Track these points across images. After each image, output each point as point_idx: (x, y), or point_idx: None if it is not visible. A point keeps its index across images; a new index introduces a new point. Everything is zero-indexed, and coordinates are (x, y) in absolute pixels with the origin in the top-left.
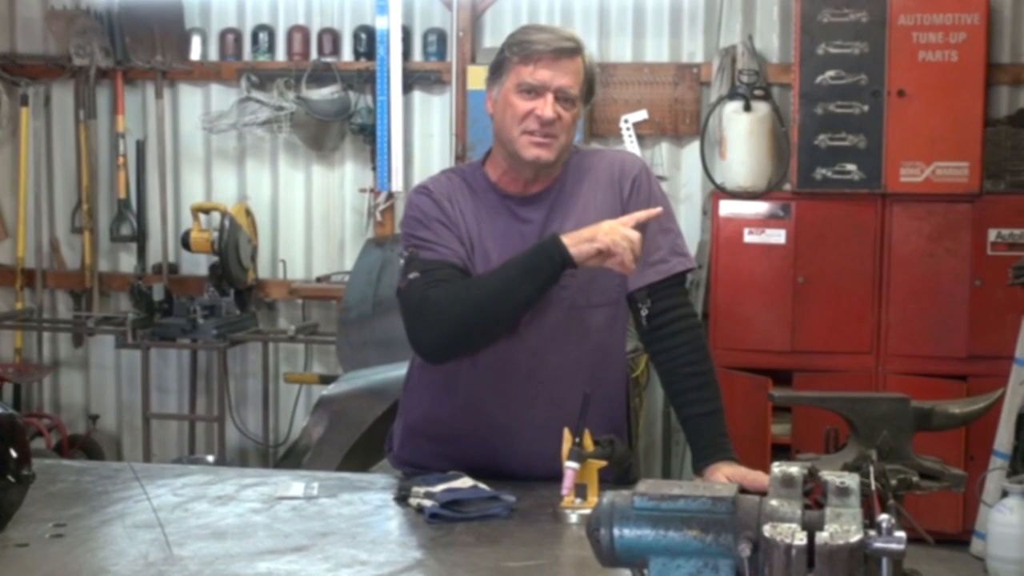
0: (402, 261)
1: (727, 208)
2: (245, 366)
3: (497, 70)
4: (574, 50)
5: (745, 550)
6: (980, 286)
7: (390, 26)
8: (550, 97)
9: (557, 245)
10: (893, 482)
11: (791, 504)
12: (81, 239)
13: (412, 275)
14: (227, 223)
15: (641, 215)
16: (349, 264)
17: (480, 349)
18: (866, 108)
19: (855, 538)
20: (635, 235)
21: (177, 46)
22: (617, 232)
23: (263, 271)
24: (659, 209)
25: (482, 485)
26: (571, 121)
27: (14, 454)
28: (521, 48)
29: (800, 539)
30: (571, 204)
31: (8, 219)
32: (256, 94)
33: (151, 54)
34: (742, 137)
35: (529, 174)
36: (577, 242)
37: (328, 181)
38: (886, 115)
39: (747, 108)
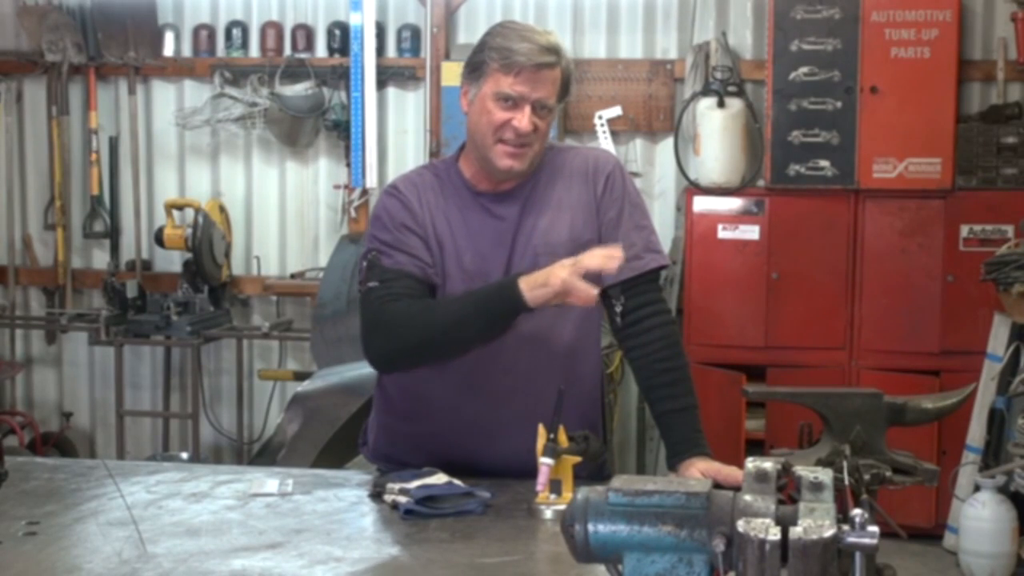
0: (364, 263)
1: (701, 204)
2: (219, 363)
3: (476, 71)
4: (554, 63)
5: (719, 545)
6: (952, 282)
7: (364, 22)
8: (528, 109)
9: (513, 289)
10: (866, 477)
11: (765, 499)
12: (54, 236)
13: (371, 283)
14: (201, 219)
15: (592, 264)
16: (323, 260)
17: (429, 367)
18: (839, 104)
19: (828, 533)
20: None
21: (150, 42)
22: (566, 271)
23: (237, 268)
24: (616, 263)
25: (457, 481)
26: (546, 129)
27: None
28: (502, 56)
29: (774, 534)
30: (545, 201)
31: None
32: (230, 90)
33: (124, 50)
34: (716, 133)
35: (501, 177)
36: (532, 287)
37: (302, 177)
38: (859, 111)
39: (721, 104)
